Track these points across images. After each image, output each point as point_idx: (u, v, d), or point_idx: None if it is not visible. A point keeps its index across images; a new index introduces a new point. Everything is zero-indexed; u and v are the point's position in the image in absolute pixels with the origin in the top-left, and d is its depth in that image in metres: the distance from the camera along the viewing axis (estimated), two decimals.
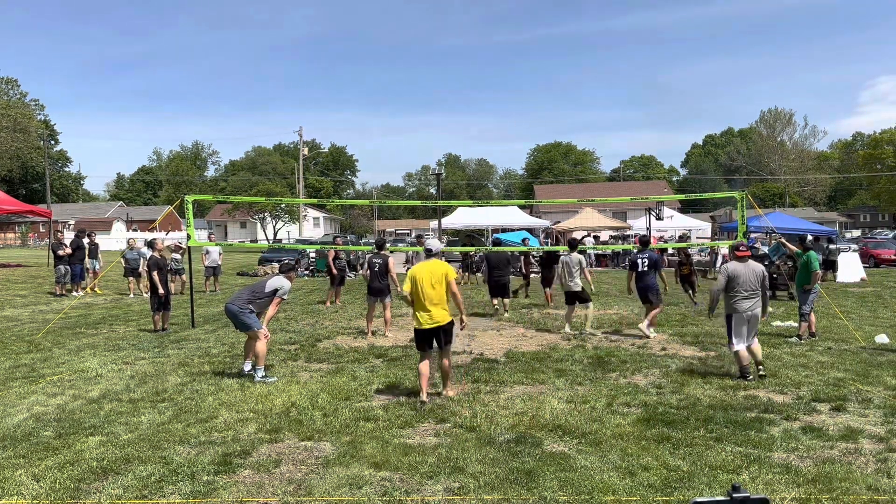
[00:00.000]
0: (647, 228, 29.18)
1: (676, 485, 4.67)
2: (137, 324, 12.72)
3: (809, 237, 12.24)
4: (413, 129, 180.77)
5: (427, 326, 6.98)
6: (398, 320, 12.78)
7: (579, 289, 11.50)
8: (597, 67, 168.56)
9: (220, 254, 19.32)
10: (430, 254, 7.29)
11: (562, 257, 11.93)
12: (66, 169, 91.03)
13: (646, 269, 11.08)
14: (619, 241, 33.50)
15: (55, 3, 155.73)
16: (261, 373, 7.91)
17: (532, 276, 19.14)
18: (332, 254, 16.63)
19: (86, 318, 13.60)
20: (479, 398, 7.02)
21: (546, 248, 18.20)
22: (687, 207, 66.62)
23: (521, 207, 40.93)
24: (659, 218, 32.12)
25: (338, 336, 11.28)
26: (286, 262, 9.56)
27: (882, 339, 10.27)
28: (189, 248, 13.09)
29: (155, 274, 11.47)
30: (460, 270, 22.31)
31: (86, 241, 18.75)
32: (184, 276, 17.77)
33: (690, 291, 15.27)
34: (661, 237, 33.90)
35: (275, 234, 59.54)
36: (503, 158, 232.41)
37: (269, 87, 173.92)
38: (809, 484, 4.67)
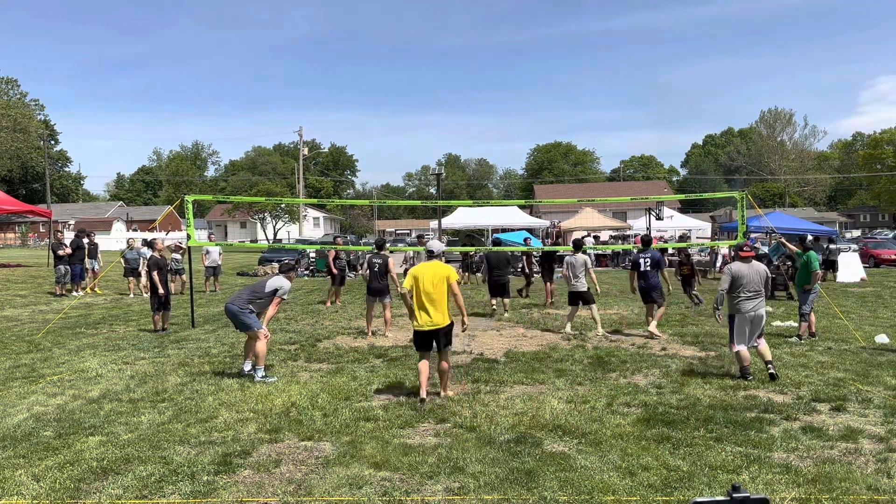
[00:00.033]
0: (647, 228, 29.16)
1: (676, 485, 4.67)
2: (137, 324, 12.72)
3: (809, 237, 12.24)
4: (413, 129, 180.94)
5: (426, 328, 6.99)
6: (398, 320, 12.78)
7: (585, 289, 11.49)
8: (597, 67, 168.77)
9: (220, 254, 19.32)
10: (431, 255, 7.29)
11: (567, 258, 11.89)
12: (66, 169, 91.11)
13: (648, 268, 11.07)
14: (619, 241, 33.50)
15: (55, 3, 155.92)
16: (261, 373, 7.91)
17: (534, 276, 19.15)
18: (332, 254, 16.63)
19: (86, 318, 13.60)
20: (479, 398, 7.02)
21: (546, 248, 18.18)
22: (687, 207, 66.64)
23: (521, 207, 40.93)
24: (659, 218, 32.11)
25: (338, 336, 11.28)
26: (286, 262, 9.55)
27: (882, 339, 10.28)
28: (189, 248, 13.09)
29: (155, 274, 11.47)
30: (460, 270, 22.32)
31: (85, 241, 18.75)
32: (184, 276, 17.77)
33: (691, 291, 15.26)
34: (661, 237, 33.89)
35: (275, 234, 59.54)
36: (503, 158, 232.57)
37: (269, 87, 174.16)
38: (809, 484, 4.67)
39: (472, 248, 21.01)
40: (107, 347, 10.20)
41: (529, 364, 8.80)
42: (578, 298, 11.56)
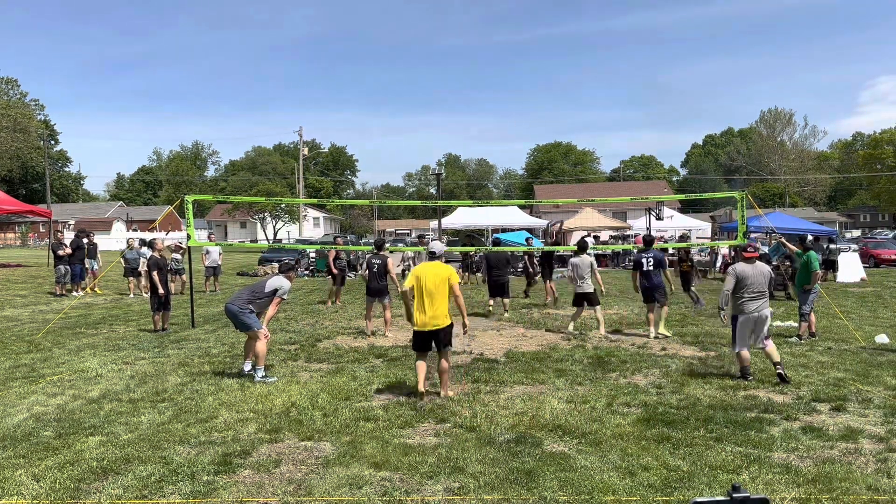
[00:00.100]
0: (648, 228, 29.16)
1: (676, 485, 4.67)
2: (137, 324, 12.72)
3: (809, 237, 12.21)
4: (413, 129, 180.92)
5: (425, 329, 7.02)
6: (398, 320, 12.77)
7: (591, 290, 11.47)
8: (597, 67, 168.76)
9: (220, 254, 19.32)
10: (433, 256, 7.32)
11: (571, 259, 11.85)
12: (66, 169, 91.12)
13: (651, 268, 11.07)
14: (619, 241, 33.50)
15: (55, 3, 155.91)
16: (261, 373, 7.91)
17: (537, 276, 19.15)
18: (332, 254, 16.63)
19: (86, 318, 13.60)
20: (479, 398, 7.02)
21: (546, 248, 18.20)
22: (687, 207, 66.62)
23: (521, 207, 40.94)
24: (659, 218, 32.11)
25: (338, 336, 11.29)
26: (286, 262, 9.56)
27: (882, 339, 10.28)
28: (189, 248, 13.09)
29: (155, 274, 11.47)
30: (460, 270, 22.32)
31: (84, 241, 18.75)
32: (184, 276, 17.78)
33: (690, 288, 15.22)
34: (662, 237, 33.88)
35: (275, 234, 59.55)
36: (503, 158, 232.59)
37: (269, 87, 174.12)
38: (809, 484, 4.67)
39: (472, 249, 21.01)
40: (107, 347, 10.20)
41: (529, 364, 8.80)
42: (584, 300, 11.55)
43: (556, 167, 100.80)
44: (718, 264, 25.67)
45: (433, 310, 6.97)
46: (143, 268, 16.40)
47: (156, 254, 11.75)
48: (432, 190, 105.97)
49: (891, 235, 46.20)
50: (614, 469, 4.98)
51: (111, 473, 4.97)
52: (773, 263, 17.10)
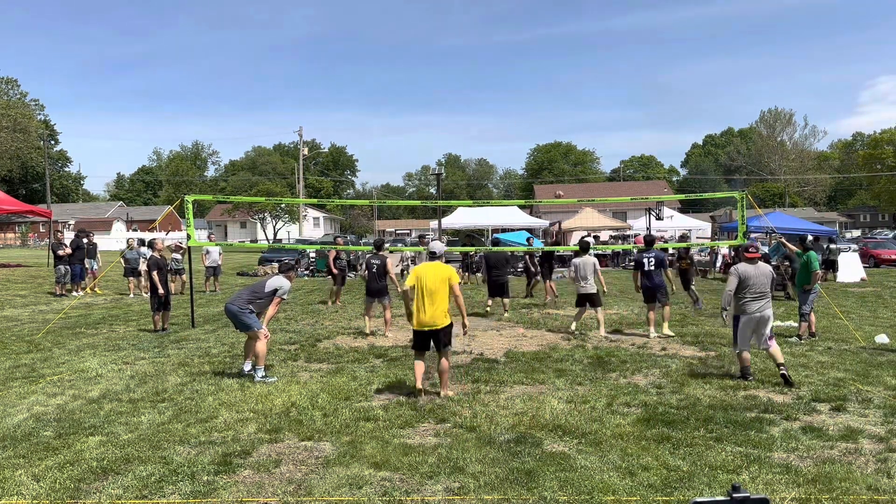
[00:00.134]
0: (648, 228, 29.15)
1: (676, 485, 4.67)
2: (137, 324, 12.72)
3: (809, 237, 12.21)
4: (413, 129, 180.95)
5: (425, 328, 7.04)
6: (398, 320, 12.77)
7: (594, 291, 11.47)
8: (597, 67, 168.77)
9: (220, 254, 19.33)
10: (434, 256, 7.34)
11: (574, 260, 11.84)
12: (66, 169, 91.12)
13: (652, 268, 11.07)
14: (619, 241, 33.50)
15: (55, 3, 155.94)
16: (261, 373, 7.91)
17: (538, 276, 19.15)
18: (332, 254, 16.63)
19: (86, 318, 13.60)
20: (479, 398, 7.02)
21: (546, 248, 18.20)
22: (687, 207, 66.64)
23: (521, 207, 40.92)
24: (659, 218, 32.11)
25: (338, 336, 11.29)
26: (286, 262, 9.58)
27: (882, 339, 10.27)
28: (189, 248, 13.10)
29: (155, 274, 11.48)
30: (460, 270, 22.32)
31: (84, 241, 18.75)
32: (184, 276, 17.78)
33: (689, 286, 15.21)
34: (662, 237, 33.88)
35: (275, 234, 59.55)
36: (503, 158, 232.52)
37: (269, 87, 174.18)
38: (809, 484, 4.67)
39: (472, 248, 21.02)
40: (107, 347, 10.20)
41: (529, 364, 8.80)
42: (586, 300, 11.55)
43: (556, 167, 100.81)
44: (718, 264, 25.67)
45: (433, 309, 6.99)
46: (143, 268, 16.40)
47: (156, 254, 11.75)
48: (432, 190, 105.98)
49: (891, 235, 46.21)
50: (614, 469, 4.98)
51: (111, 473, 4.97)
52: (773, 263, 17.09)
